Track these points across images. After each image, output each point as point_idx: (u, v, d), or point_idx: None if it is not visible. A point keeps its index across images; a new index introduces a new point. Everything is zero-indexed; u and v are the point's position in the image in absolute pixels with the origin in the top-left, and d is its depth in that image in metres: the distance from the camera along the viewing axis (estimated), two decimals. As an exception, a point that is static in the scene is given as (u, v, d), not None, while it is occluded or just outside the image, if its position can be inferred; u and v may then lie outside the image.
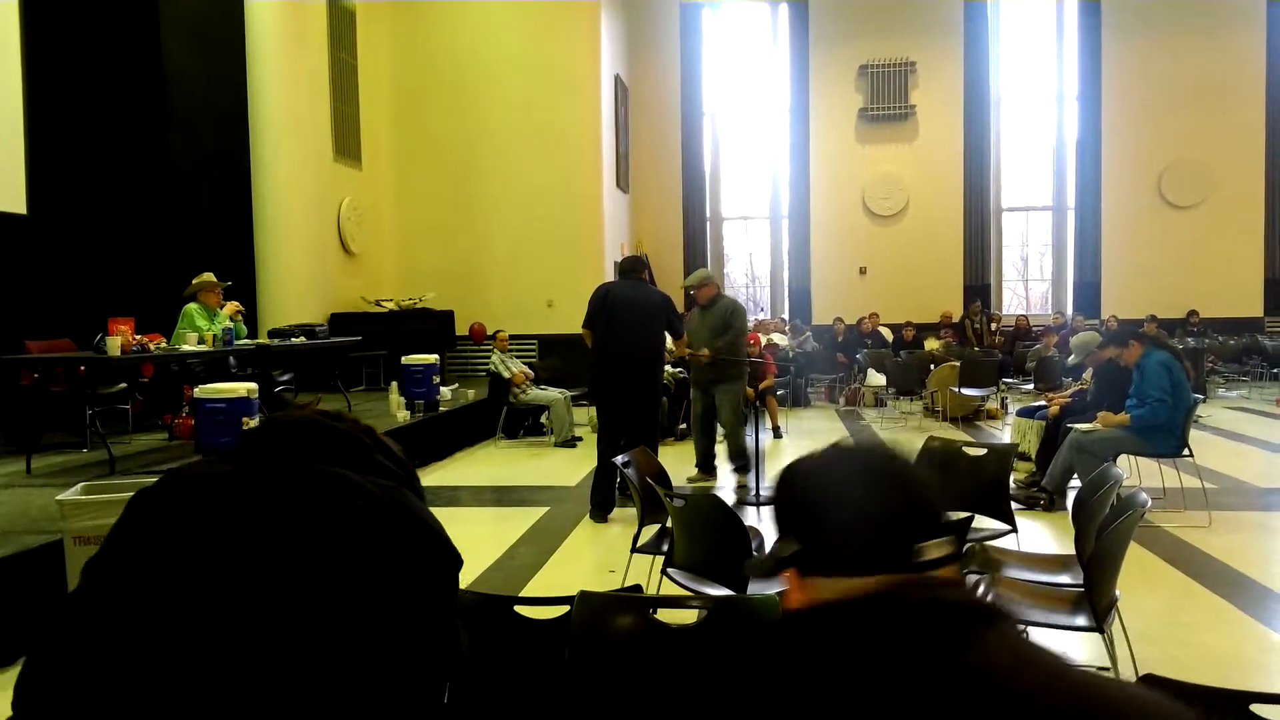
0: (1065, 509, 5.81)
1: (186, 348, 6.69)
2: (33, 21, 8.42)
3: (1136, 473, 6.70)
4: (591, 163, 13.46)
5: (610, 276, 12.75)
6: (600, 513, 6.22)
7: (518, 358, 10.89)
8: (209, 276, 7.39)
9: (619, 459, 4.35)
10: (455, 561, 1.33)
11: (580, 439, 9.45)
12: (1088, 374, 7.34)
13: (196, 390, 6.06)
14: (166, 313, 7.45)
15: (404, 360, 9.25)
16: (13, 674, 3.22)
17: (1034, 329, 14.49)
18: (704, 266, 16.26)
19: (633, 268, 6.62)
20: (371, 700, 1.10)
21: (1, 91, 8.15)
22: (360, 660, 1.11)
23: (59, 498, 3.73)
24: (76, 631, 1.06)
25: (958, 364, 10.96)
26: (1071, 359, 8.14)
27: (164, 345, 6.63)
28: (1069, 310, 15.76)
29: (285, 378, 8.33)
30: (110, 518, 3.59)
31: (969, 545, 3.71)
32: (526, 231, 13.27)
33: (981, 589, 3.19)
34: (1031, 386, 11.83)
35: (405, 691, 1.16)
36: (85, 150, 9.16)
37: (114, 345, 5.91)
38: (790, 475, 1.15)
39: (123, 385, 7.38)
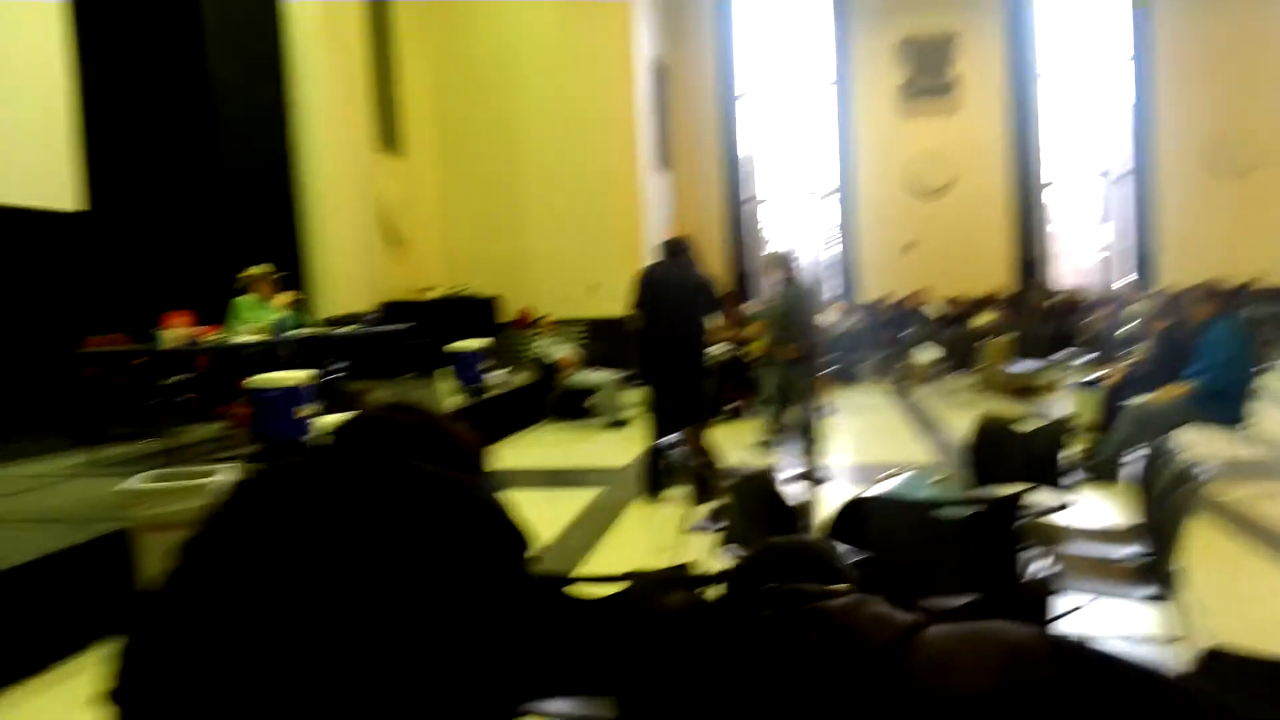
0: (1125, 481, 5.72)
1: (239, 339, 6.81)
2: (82, 27, 8.61)
3: (1198, 443, 6.56)
4: (631, 145, 13.43)
5: (653, 258, 12.73)
6: (652, 493, 6.25)
7: (564, 341, 10.95)
8: (262, 267, 7.51)
9: (668, 439, 4.37)
10: (521, 543, 1.40)
11: (629, 421, 9.48)
12: (1146, 344, 7.20)
13: (249, 380, 6.18)
14: (224, 305, 7.60)
15: (452, 346, 9.34)
16: (87, 658, 3.32)
17: (1088, 301, 14.21)
18: (747, 246, 16.19)
19: (676, 249, 6.62)
20: (449, 679, 1.15)
21: (55, 95, 8.36)
22: (438, 637, 1.17)
23: (122, 486, 3.83)
24: (177, 610, 1.12)
25: (1011, 337, 10.81)
26: (1128, 329, 7.97)
27: (217, 336, 6.76)
28: (1123, 280, 15.42)
29: (339, 366, 8.45)
30: (172, 505, 3.70)
31: (1022, 521, 3.66)
32: (569, 216, 13.29)
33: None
34: (1088, 358, 11.62)
35: (479, 672, 1.22)
36: (136, 150, 9.36)
37: (168, 338, 6.05)
38: None
39: (180, 377, 7.54)
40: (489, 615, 1.31)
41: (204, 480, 3.85)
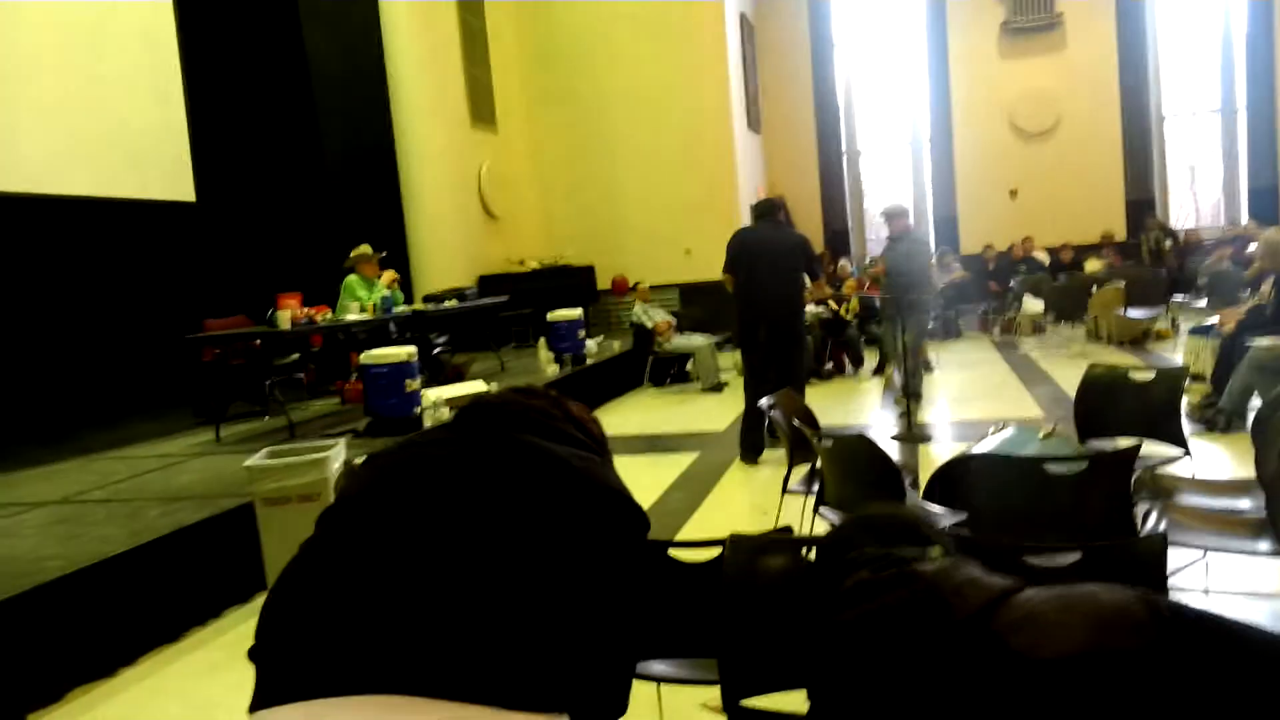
0: (1244, 431, 5.46)
1: (350, 317, 7.05)
2: (186, 20, 8.94)
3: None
4: (721, 106, 13.29)
5: (746, 220, 12.62)
6: (751, 455, 6.26)
7: (660, 307, 10.98)
8: (365, 248, 7.74)
9: (765, 401, 4.36)
10: (642, 523, 1.44)
11: (726, 384, 9.48)
12: (1267, 285, 6.81)
13: (361, 356, 6.40)
14: (329, 286, 7.87)
15: (549, 316, 9.47)
16: (220, 624, 3.52)
17: (1206, 242, 13.49)
18: (843, 202, 15.89)
19: (768, 210, 6.55)
20: (574, 648, 1.23)
21: (167, 89, 8.73)
22: (564, 610, 1.23)
23: (246, 463, 4.03)
24: (312, 571, 1.22)
25: (1122, 285, 10.37)
26: (1256, 265, 7.53)
27: (329, 316, 7.02)
28: (1243, 219, 14.57)
29: (441, 340, 8.67)
30: (292, 479, 3.88)
31: (1137, 475, 3.54)
32: (660, 181, 13.26)
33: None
34: (1205, 303, 11.06)
35: (602, 642, 1.29)
36: (243, 140, 9.73)
37: (284, 319, 6.29)
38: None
39: (295, 356, 7.87)
40: (611, 592, 1.39)
41: (321, 455, 4.02)
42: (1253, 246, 7.59)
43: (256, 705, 1.22)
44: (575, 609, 1.32)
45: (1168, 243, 12.98)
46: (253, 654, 1.28)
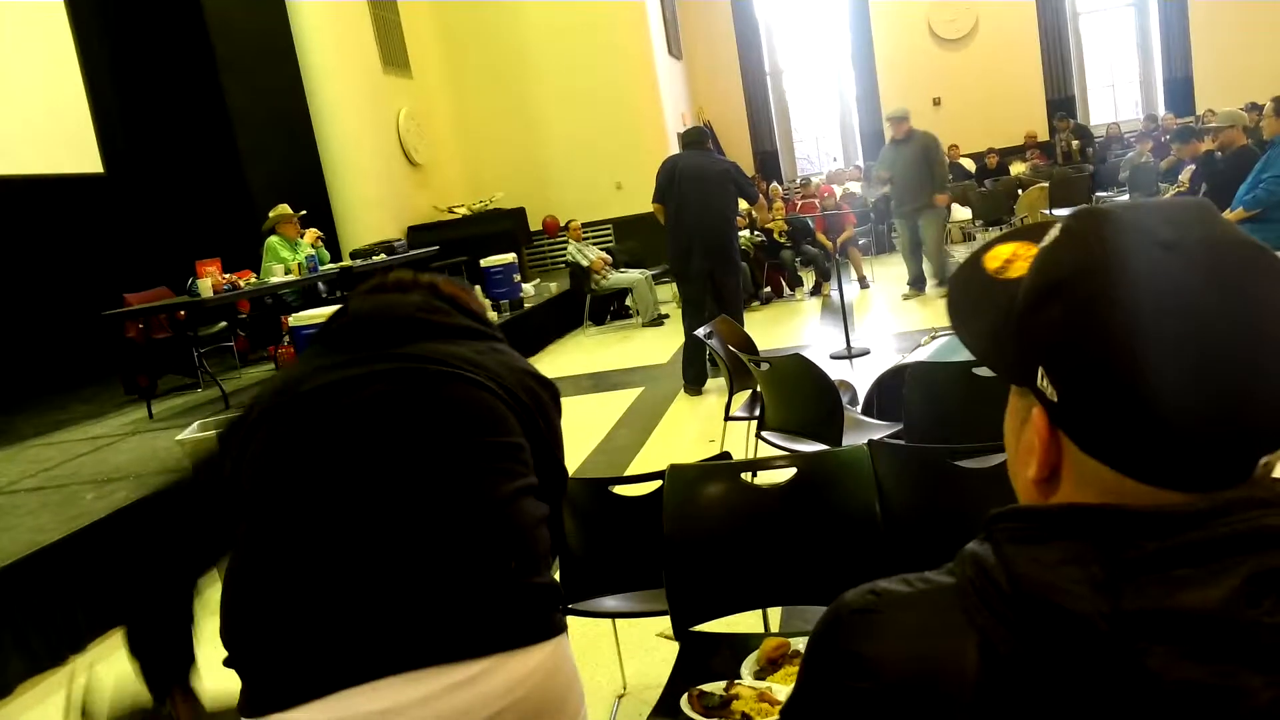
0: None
1: (275, 280, 6.88)
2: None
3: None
4: (640, 34, 13.05)
5: (675, 149, 12.52)
6: (694, 386, 6.28)
7: (594, 244, 10.90)
8: (284, 209, 7.53)
9: (701, 331, 4.37)
10: (554, 390, 1.53)
11: (667, 316, 9.48)
12: (1185, 174, 6.96)
13: (291, 319, 6.26)
14: (251, 250, 7.66)
15: (483, 263, 9.34)
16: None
17: (1127, 135, 13.70)
18: (770, 123, 15.81)
19: (697, 139, 6.49)
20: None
21: (59, 58, 8.32)
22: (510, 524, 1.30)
23: (178, 437, 3.95)
24: (271, 569, 1.25)
25: (1046, 185, 10.52)
26: (1214, 123, 7.63)
27: (253, 281, 6.84)
28: (1160, 110, 14.82)
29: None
30: (228, 451, 3.80)
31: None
32: (585, 116, 13.04)
33: None
34: (1127, 198, 11.28)
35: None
36: (146, 107, 9.34)
37: (205, 287, 6.11)
38: (1070, 275, 0.60)
39: (223, 324, 7.67)
40: (549, 465, 1.48)
41: (254, 423, 3.94)
42: (1222, 111, 7.63)
43: (251, 711, 1.20)
44: (521, 513, 1.34)
45: (1075, 143, 13.17)
46: (232, 663, 1.25)
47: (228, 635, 1.26)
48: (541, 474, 1.41)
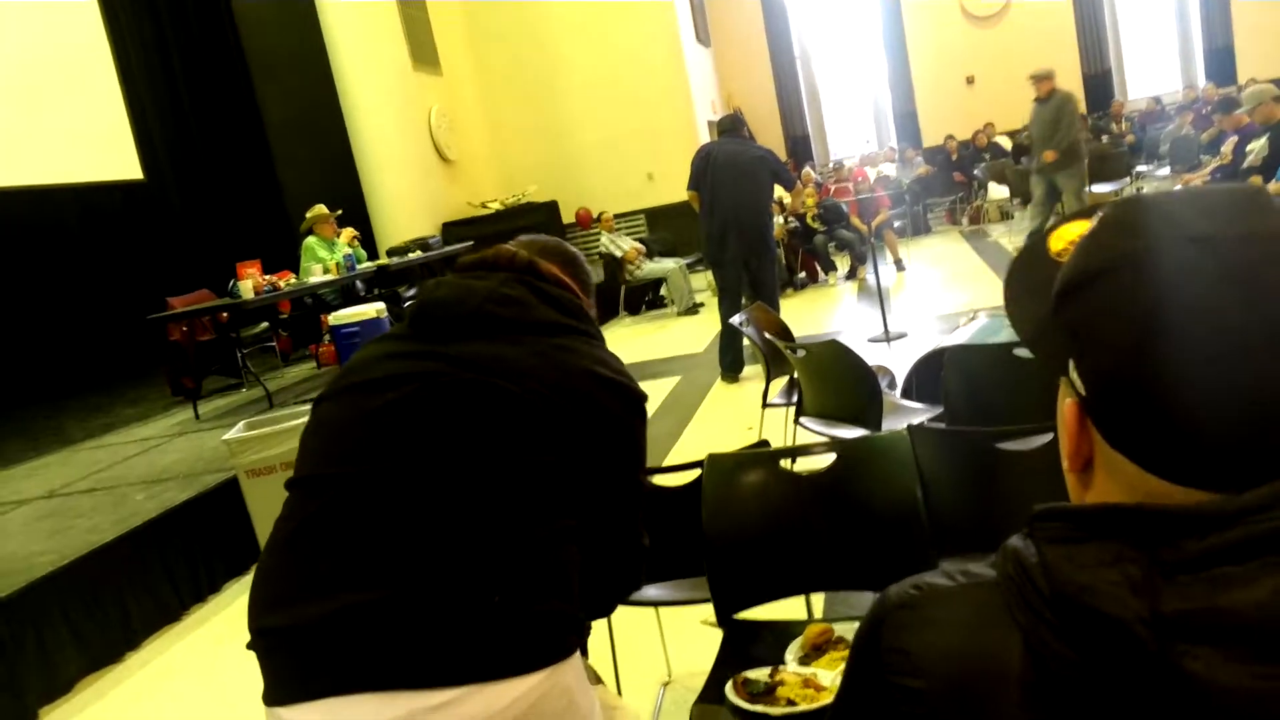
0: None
1: (314, 280, 6.95)
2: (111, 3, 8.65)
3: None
4: (668, 22, 13.00)
5: (705, 138, 12.47)
6: (731, 373, 6.28)
7: (627, 234, 10.90)
8: (320, 209, 7.60)
9: (737, 319, 4.36)
10: (636, 398, 1.42)
11: (702, 305, 9.47)
12: (1227, 146, 6.81)
13: (330, 318, 6.33)
14: (289, 251, 7.75)
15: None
16: (220, 598, 3.52)
17: (1167, 108, 13.41)
18: (801, 108, 15.69)
19: (732, 126, 6.48)
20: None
21: (97, 68, 8.48)
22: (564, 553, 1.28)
23: (224, 438, 4.01)
24: (303, 560, 1.27)
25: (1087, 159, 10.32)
26: (1242, 109, 7.51)
27: (293, 281, 6.92)
28: (1200, 82, 14.49)
29: (411, 292, 8.58)
30: (273, 449, 3.86)
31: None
32: (615, 107, 13.03)
33: None
34: (1167, 171, 11.05)
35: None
36: (181, 112, 9.47)
37: (246, 288, 6.20)
38: (1099, 268, 0.59)
39: (265, 325, 7.78)
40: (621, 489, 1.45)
41: (298, 421, 4.00)
42: (1249, 90, 7.51)
43: (273, 700, 1.22)
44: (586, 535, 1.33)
45: (1121, 115, 12.94)
46: (255, 646, 1.27)
47: (249, 619, 1.29)
48: (605, 489, 1.36)
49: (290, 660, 1.21)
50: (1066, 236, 0.66)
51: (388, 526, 1.22)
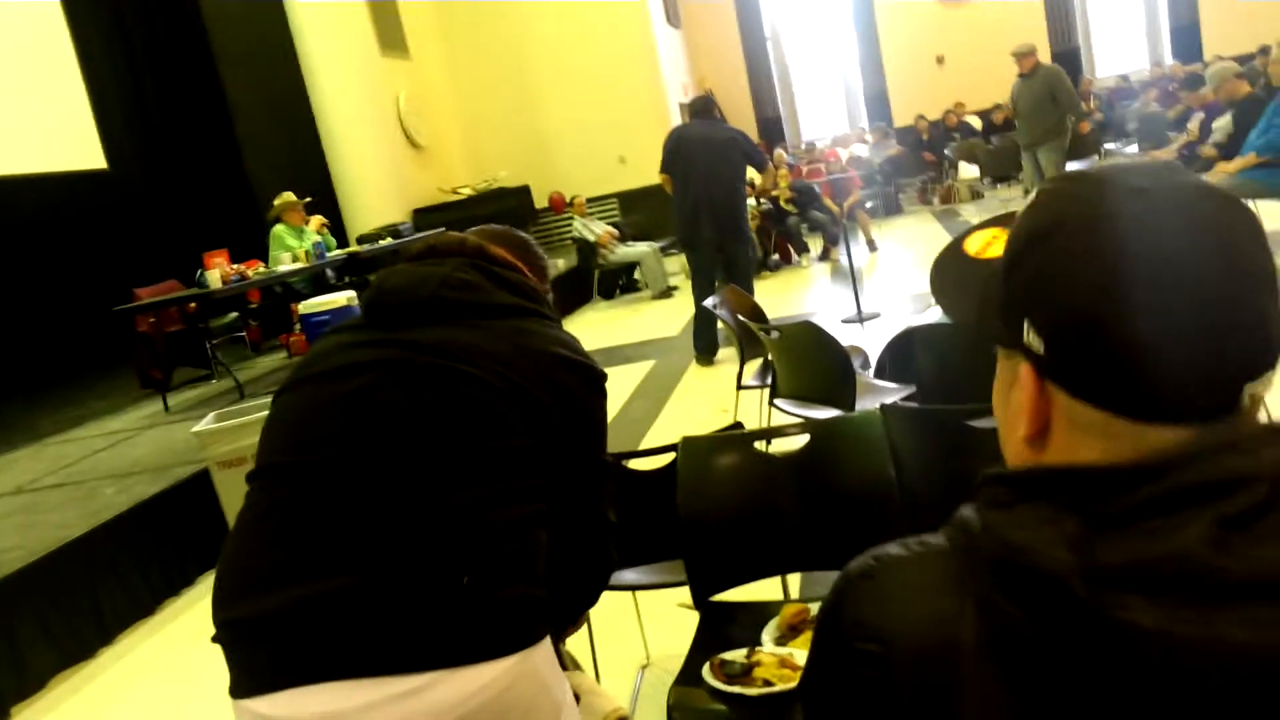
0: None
1: (282, 268, 6.88)
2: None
3: (1265, 218, 6.32)
4: (638, 3, 12.93)
5: (676, 120, 12.43)
6: (706, 356, 6.28)
7: (600, 218, 10.86)
8: (288, 196, 7.52)
9: (709, 301, 4.35)
10: (597, 378, 1.43)
11: (676, 288, 9.46)
12: (1194, 123, 6.88)
13: (300, 307, 6.26)
14: (257, 239, 7.66)
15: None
16: (194, 591, 3.48)
17: (1134, 85, 13.52)
18: (772, 89, 15.68)
19: (704, 108, 6.45)
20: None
21: (57, 56, 8.31)
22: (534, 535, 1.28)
23: (195, 429, 3.97)
24: (266, 550, 1.26)
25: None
26: (1205, 88, 7.61)
27: (261, 270, 6.85)
28: (1167, 59, 14.62)
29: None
30: (243, 440, 3.82)
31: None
32: (586, 90, 12.96)
33: None
34: (1136, 148, 11.16)
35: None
36: (144, 100, 9.32)
37: (214, 278, 6.13)
38: (1048, 226, 0.62)
39: (234, 315, 7.70)
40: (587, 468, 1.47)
41: (269, 412, 3.96)
42: (1212, 68, 7.59)
43: (240, 692, 1.21)
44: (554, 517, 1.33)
45: (1089, 92, 13.00)
46: (220, 639, 1.26)
47: (213, 610, 1.28)
48: (569, 469, 1.36)
49: (256, 651, 1.20)
50: (984, 239, 0.72)
51: (351, 513, 1.21)
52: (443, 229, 7.76)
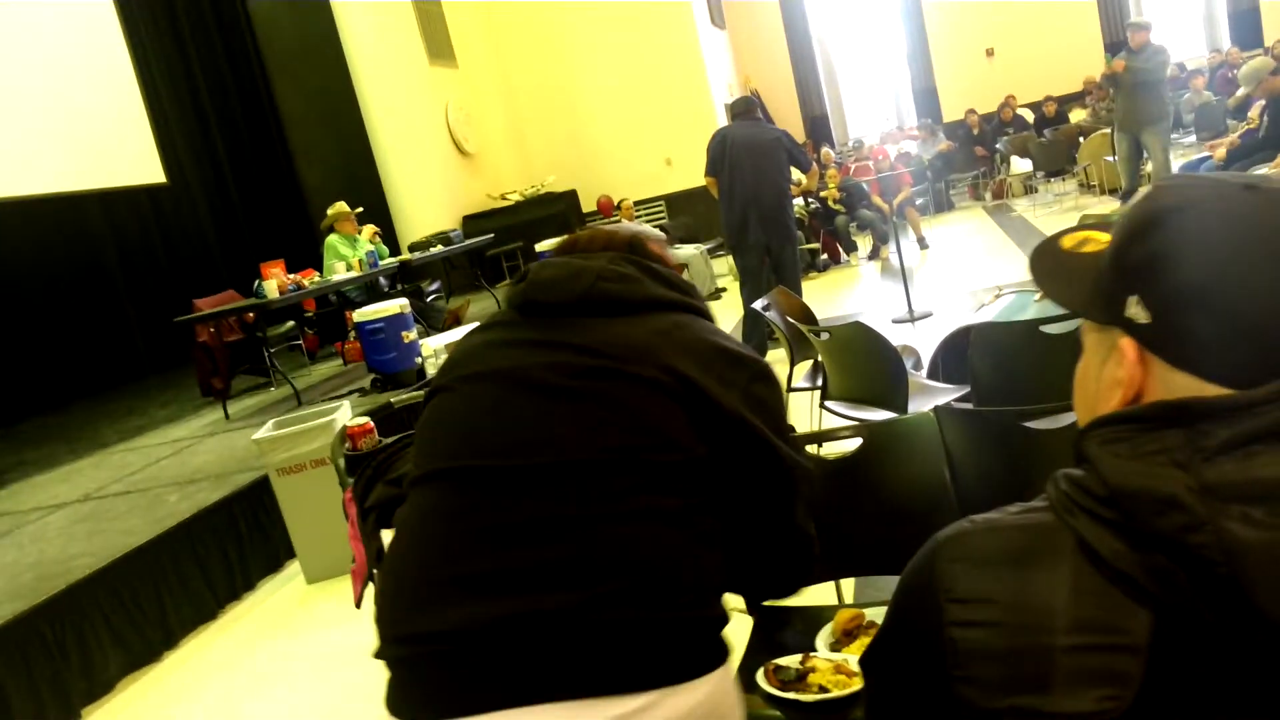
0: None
1: (337, 277, 7.00)
2: (128, 9, 8.72)
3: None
4: (682, 6, 12.93)
5: (722, 121, 12.40)
6: (755, 358, 6.24)
7: (647, 221, 10.88)
8: (341, 206, 7.65)
9: (759, 304, 4.34)
10: (761, 368, 1.33)
11: (724, 290, 9.44)
12: (1255, 110, 6.69)
13: (355, 315, 6.36)
14: (311, 249, 7.80)
15: (538, 247, 9.37)
16: (255, 595, 3.55)
17: (1192, 72, 13.17)
18: (819, 87, 15.58)
19: (746, 109, 6.43)
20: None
21: (117, 74, 8.55)
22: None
23: (254, 437, 4.05)
24: (443, 570, 1.17)
25: (1109, 131, 10.18)
26: (1240, 92, 7.43)
27: (316, 279, 6.97)
28: (1225, 44, 14.22)
29: (434, 287, 8.62)
30: (302, 447, 3.89)
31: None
32: (631, 94, 12.99)
33: None
34: (1194, 139, 10.87)
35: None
36: (201, 114, 9.54)
37: (271, 288, 6.25)
38: (1168, 210, 0.69)
39: (291, 323, 7.85)
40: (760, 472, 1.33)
41: (326, 419, 4.03)
42: (1244, 66, 7.42)
43: (418, 714, 1.12)
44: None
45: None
46: (391, 653, 1.17)
47: (382, 624, 1.19)
48: (751, 470, 1.28)
49: (447, 670, 1.11)
50: (1077, 237, 0.80)
51: (548, 524, 1.14)
52: (492, 235, 7.86)
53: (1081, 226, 0.82)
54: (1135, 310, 0.68)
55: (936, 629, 0.69)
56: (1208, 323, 0.65)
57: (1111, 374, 0.71)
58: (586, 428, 1.18)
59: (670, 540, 1.16)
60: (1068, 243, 0.80)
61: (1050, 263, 0.80)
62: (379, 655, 1.18)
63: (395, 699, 1.15)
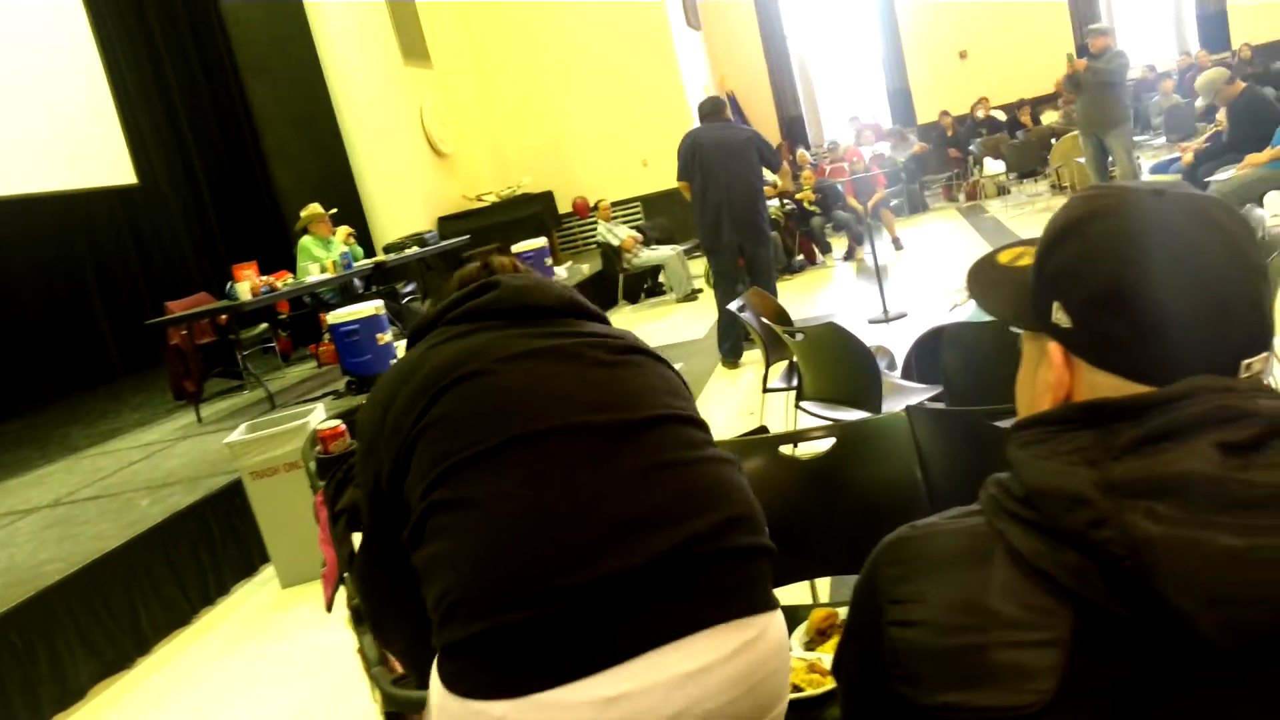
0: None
1: (310, 279, 6.95)
2: (96, 7, 8.62)
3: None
4: (657, 7, 12.95)
5: (698, 122, 12.42)
6: (731, 359, 6.27)
7: (623, 222, 10.88)
8: (315, 208, 7.60)
9: (734, 305, 4.35)
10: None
11: (700, 291, 9.46)
12: (1221, 114, 6.79)
13: (329, 316, 6.32)
14: (285, 251, 7.75)
15: (514, 248, 9.35)
16: (230, 600, 3.52)
17: (1158, 75, 13.34)
18: (794, 88, 15.63)
19: (714, 109, 6.43)
20: None
21: (87, 73, 8.45)
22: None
23: (226, 440, 4.02)
24: (535, 550, 1.18)
25: (1079, 133, 10.29)
26: (1199, 101, 7.56)
27: (290, 281, 6.92)
28: (1194, 47, 14.41)
29: (409, 288, 8.58)
30: (275, 450, 3.87)
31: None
32: (607, 95, 12.99)
33: None
34: (1164, 140, 11.02)
35: None
36: (172, 115, 9.45)
37: (243, 290, 6.20)
38: (1080, 219, 0.73)
39: (264, 326, 7.79)
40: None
41: (299, 422, 4.00)
42: (1201, 76, 7.55)
43: (566, 674, 1.09)
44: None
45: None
46: (514, 624, 1.12)
47: (517, 588, 1.14)
48: None
49: (595, 617, 1.11)
50: (1013, 253, 0.85)
51: (663, 468, 1.23)
52: (468, 236, 7.84)
53: (1019, 243, 0.87)
54: (1059, 316, 0.72)
55: (877, 630, 0.73)
56: (1121, 324, 0.68)
57: (1044, 378, 0.75)
58: (651, 389, 1.31)
59: (742, 482, 1.30)
60: (1004, 258, 0.85)
61: (987, 277, 0.85)
62: (492, 632, 1.12)
63: (538, 669, 1.10)
